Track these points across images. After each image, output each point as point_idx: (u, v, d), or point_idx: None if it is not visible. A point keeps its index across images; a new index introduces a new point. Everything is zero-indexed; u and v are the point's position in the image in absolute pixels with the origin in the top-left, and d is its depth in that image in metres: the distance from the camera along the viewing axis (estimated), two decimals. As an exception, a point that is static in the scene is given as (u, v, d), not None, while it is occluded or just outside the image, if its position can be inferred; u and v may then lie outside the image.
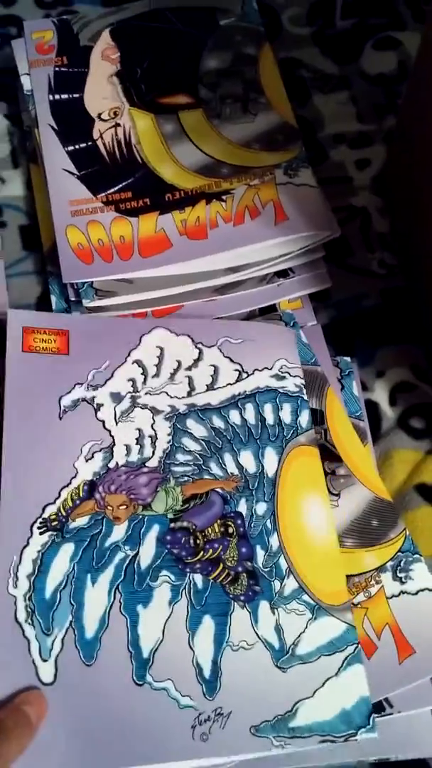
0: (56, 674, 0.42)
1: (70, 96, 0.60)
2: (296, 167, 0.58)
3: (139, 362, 0.50)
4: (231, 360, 0.52)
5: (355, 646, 0.45)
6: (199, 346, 0.52)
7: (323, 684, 0.44)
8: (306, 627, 0.45)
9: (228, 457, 0.49)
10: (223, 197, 0.57)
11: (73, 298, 0.54)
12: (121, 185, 0.57)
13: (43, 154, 0.58)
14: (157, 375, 0.50)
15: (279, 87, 0.61)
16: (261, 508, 0.48)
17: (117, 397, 0.49)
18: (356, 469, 0.51)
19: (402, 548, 0.49)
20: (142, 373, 0.50)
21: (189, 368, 0.51)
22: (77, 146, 0.58)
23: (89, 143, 0.58)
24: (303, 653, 0.44)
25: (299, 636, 0.45)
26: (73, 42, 0.62)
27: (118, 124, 0.59)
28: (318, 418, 0.52)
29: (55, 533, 0.45)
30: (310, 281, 0.58)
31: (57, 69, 0.61)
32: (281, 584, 0.46)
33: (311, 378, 0.53)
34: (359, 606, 0.47)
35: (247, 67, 0.62)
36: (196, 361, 0.51)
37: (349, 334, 0.57)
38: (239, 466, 0.49)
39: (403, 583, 0.48)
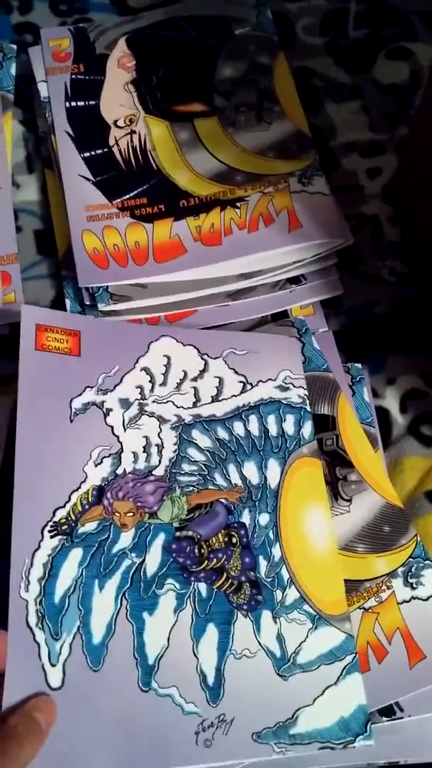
0: (64, 679, 0.42)
1: (87, 103, 0.61)
2: (310, 175, 0.58)
3: (147, 369, 0.51)
4: (235, 372, 0.52)
5: (353, 655, 0.45)
6: (205, 357, 0.52)
7: (323, 692, 0.44)
8: (307, 636, 0.45)
9: (232, 468, 0.49)
10: (238, 204, 0.57)
11: (88, 302, 0.55)
12: (136, 191, 0.58)
13: (59, 160, 0.59)
14: (164, 384, 0.51)
15: (293, 96, 0.62)
16: (264, 518, 0.48)
17: (125, 403, 0.49)
18: (368, 474, 0.51)
19: (413, 554, 0.49)
20: (149, 381, 0.51)
21: (195, 379, 0.51)
22: (93, 152, 0.59)
23: (105, 150, 0.59)
24: (304, 662, 0.45)
25: (300, 645, 0.45)
26: (89, 50, 0.63)
27: (133, 131, 0.60)
28: (330, 423, 0.52)
29: (65, 537, 0.45)
30: (322, 288, 0.58)
31: (74, 76, 0.62)
32: (283, 594, 0.46)
33: (323, 384, 0.54)
34: (370, 611, 0.47)
35: (261, 76, 0.62)
36: (202, 372, 0.52)
37: (361, 341, 0.58)
38: (243, 477, 0.49)
39: (414, 588, 0.48)
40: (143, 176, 0.58)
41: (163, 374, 0.51)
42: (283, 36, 0.67)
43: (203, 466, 0.49)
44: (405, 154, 0.62)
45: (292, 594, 0.46)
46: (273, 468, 0.49)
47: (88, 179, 0.58)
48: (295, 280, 0.58)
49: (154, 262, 0.55)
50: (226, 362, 0.52)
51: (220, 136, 0.60)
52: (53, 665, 0.42)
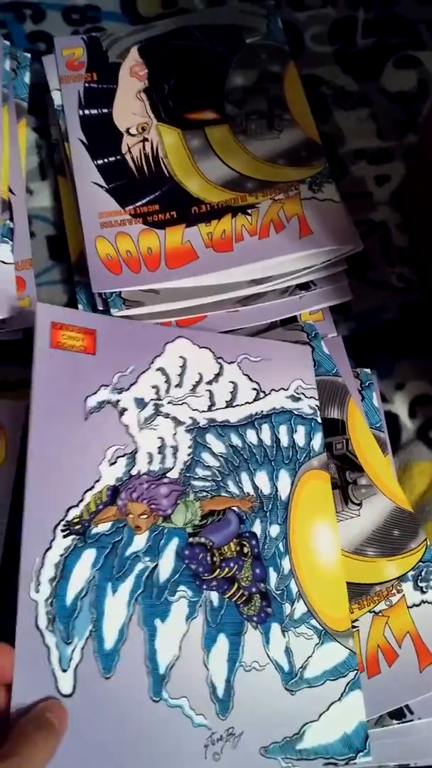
0: (75, 686, 0.41)
1: (100, 111, 0.62)
2: (320, 182, 0.59)
3: (162, 370, 0.50)
4: (249, 378, 0.52)
5: (355, 672, 0.45)
6: (220, 361, 0.52)
7: (328, 708, 0.44)
8: (313, 651, 0.45)
9: (244, 477, 0.49)
10: (249, 211, 0.58)
11: (101, 308, 0.55)
12: (148, 198, 0.58)
13: (73, 168, 0.59)
14: (179, 385, 0.50)
15: (303, 104, 0.63)
16: (274, 530, 0.48)
17: (141, 403, 0.49)
18: (377, 479, 0.52)
19: (423, 558, 0.50)
20: (165, 382, 0.50)
21: (210, 382, 0.51)
22: (106, 160, 0.60)
23: (118, 157, 0.60)
24: (310, 677, 0.45)
25: (307, 660, 0.45)
26: (102, 59, 0.64)
27: (146, 139, 0.61)
28: (340, 428, 0.53)
29: (78, 537, 0.44)
30: (331, 294, 0.59)
31: (87, 85, 0.62)
32: (291, 607, 0.46)
33: (333, 388, 0.54)
34: (381, 614, 0.48)
35: (272, 85, 0.63)
36: (217, 375, 0.51)
37: (369, 347, 0.59)
38: (255, 487, 0.49)
39: (424, 592, 0.49)
40: (155, 183, 0.59)
41: (179, 375, 0.50)
42: (292, 44, 0.67)
43: (217, 472, 0.49)
44: (413, 161, 0.63)
45: (300, 608, 0.46)
46: (284, 479, 0.49)
47: (102, 186, 0.59)
48: (304, 286, 0.58)
49: (167, 268, 0.56)
50: (240, 368, 0.52)
51: (231, 143, 0.61)
52: (64, 670, 0.41)
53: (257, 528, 0.48)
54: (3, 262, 0.56)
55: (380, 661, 0.47)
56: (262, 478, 0.49)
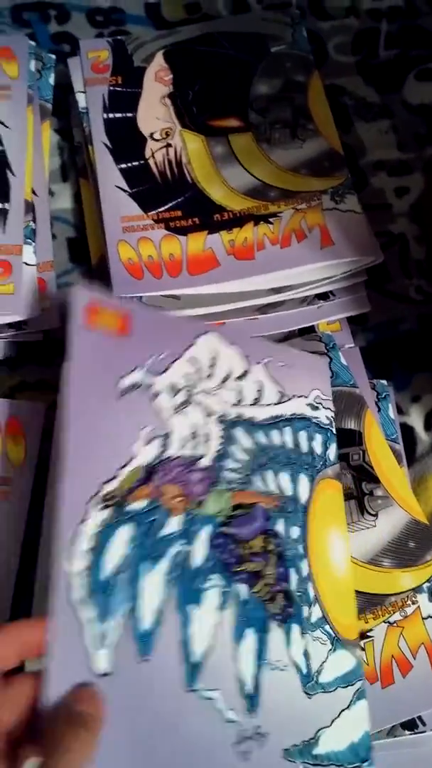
0: (110, 665, 0.39)
1: (124, 115, 0.62)
2: (342, 193, 0.59)
3: (194, 360, 0.49)
4: (274, 381, 0.52)
5: (362, 681, 0.45)
6: (248, 359, 0.51)
7: (339, 715, 0.44)
8: (327, 657, 0.45)
9: (269, 475, 0.49)
10: (271, 220, 0.58)
11: (121, 312, 0.56)
12: (171, 204, 0.59)
13: (96, 171, 0.59)
14: (210, 377, 0.50)
15: (327, 114, 0.63)
16: (295, 532, 0.48)
17: (174, 389, 0.48)
18: (393, 490, 0.52)
19: (438, 570, 0.50)
20: (196, 372, 0.49)
21: (238, 378, 0.51)
22: (130, 164, 0.60)
23: (141, 162, 0.60)
24: (324, 682, 0.45)
25: (321, 665, 0.45)
26: (127, 62, 0.64)
27: (169, 145, 0.61)
28: (357, 439, 0.53)
29: (113, 512, 0.43)
30: (349, 304, 0.59)
31: (111, 88, 0.62)
32: (309, 611, 0.46)
33: (350, 399, 0.54)
34: (395, 625, 0.48)
35: (296, 94, 0.63)
36: (245, 373, 0.51)
37: (386, 358, 0.59)
38: (278, 487, 0.49)
39: (438, 604, 0.49)
40: (178, 189, 0.59)
41: (210, 368, 0.50)
42: (316, 53, 0.67)
43: (245, 466, 0.48)
44: (433, 175, 0.63)
45: (316, 612, 0.46)
46: (303, 483, 0.49)
47: (125, 190, 0.59)
48: (323, 296, 0.59)
49: (188, 274, 0.56)
50: (266, 369, 0.52)
51: (255, 152, 0.61)
52: (98, 649, 0.39)
53: (280, 527, 0.47)
54: (26, 264, 0.56)
55: (394, 672, 0.47)
56: (284, 480, 0.49)
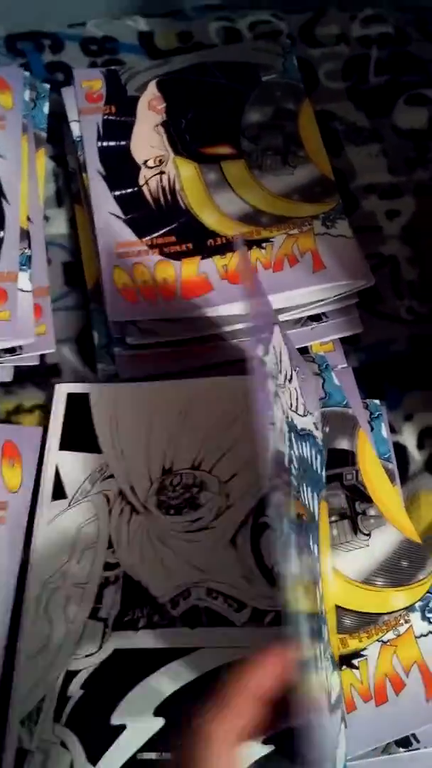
0: None
1: (118, 143, 0.63)
2: (333, 219, 0.60)
3: (274, 350, 0.44)
4: (300, 392, 0.50)
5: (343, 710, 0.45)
6: (292, 363, 0.49)
7: (339, 733, 0.44)
8: (332, 676, 0.45)
9: (304, 487, 0.46)
10: (263, 245, 0.59)
11: (116, 335, 0.57)
12: (165, 230, 0.60)
13: (90, 198, 0.61)
14: (280, 372, 0.45)
15: (317, 141, 0.64)
16: (316, 550, 0.46)
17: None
18: (386, 510, 0.53)
19: (431, 590, 0.50)
20: (276, 364, 0.44)
21: (289, 380, 0.48)
22: (124, 191, 0.61)
23: (135, 189, 0.61)
24: (333, 702, 0.44)
25: (330, 683, 0.44)
26: (121, 92, 0.65)
27: (162, 172, 0.62)
28: (350, 459, 0.54)
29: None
30: (342, 326, 0.60)
31: (105, 117, 0.64)
32: (324, 629, 0.45)
33: (343, 419, 0.55)
34: (389, 644, 0.49)
35: (287, 122, 0.65)
36: (291, 377, 0.48)
37: (379, 378, 0.60)
38: (309, 501, 0.46)
39: (431, 623, 0.50)
40: (172, 215, 0.60)
41: (279, 363, 0.45)
42: (306, 80, 0.69)
43: (298, 475, 0.44)
44: (423, 197, 0.64)
45: (325, 631, 0.45)
46: (315, 502, 0.48)
47: (119, 217, 0.60)
48: (316, 318, 0.59)
49: (182, 299, 0.57)
50: (297, 378, 0.50)
51: (247, 178, 0.62)
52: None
53: (310, 541, 0.45)
54: (22, 290, 0.57)
55: (388, 690, 0.48)
56: (309, 495, 0.47)
